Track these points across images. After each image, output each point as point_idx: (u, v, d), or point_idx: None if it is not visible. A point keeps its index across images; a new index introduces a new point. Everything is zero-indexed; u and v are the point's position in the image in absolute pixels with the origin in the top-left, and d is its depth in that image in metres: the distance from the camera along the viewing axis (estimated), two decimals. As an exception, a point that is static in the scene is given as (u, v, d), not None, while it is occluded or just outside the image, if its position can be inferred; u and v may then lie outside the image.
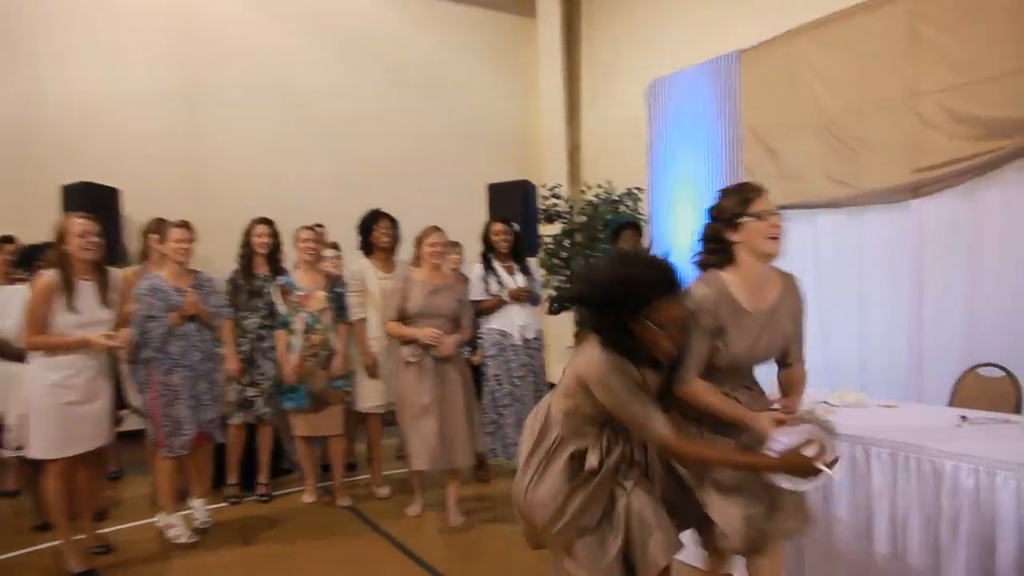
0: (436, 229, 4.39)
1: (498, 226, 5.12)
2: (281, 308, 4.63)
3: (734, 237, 2.30)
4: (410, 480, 4.60)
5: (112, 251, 6.21)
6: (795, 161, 5.73)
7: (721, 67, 6.50)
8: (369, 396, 4.91)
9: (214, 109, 7.25)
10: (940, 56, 4.84)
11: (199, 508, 4.27)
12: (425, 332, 4.19)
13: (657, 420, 2.07)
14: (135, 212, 6.56)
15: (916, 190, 4.99)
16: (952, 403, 3.77)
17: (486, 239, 5.13)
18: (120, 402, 5.23)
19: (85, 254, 3.55)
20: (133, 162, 6.75)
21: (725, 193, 2.39)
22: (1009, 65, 4.49)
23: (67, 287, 3.49)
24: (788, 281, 2.43)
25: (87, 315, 3.55)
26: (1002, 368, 3.69)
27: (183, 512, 4.22)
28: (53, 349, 3.48)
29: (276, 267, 4.94)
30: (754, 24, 6.35)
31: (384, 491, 4.94)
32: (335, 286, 4.77)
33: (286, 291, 4.65)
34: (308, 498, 4.81)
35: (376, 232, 5.01)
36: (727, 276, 2.31)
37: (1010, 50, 4.48)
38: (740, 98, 6.29)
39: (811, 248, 5.64)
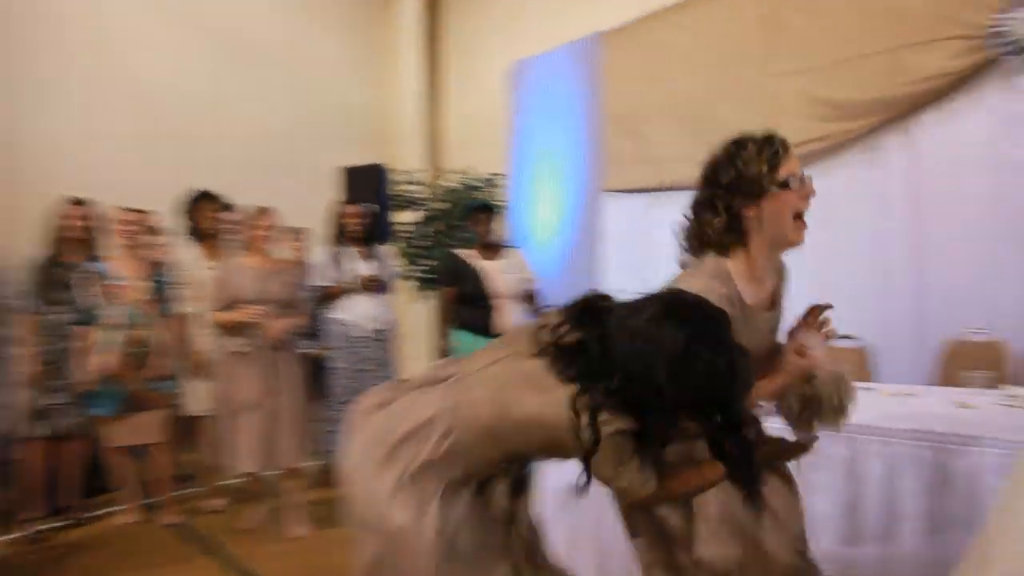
0: (264, 210, 3.96)
1: (351, 208, 4.77)
2: (92, 300, 4.02)
3: (750, 212, 1.76)
4: (249, 488, 4.12)
5: None
6: (655, 143, 5.65)
7: (584, 49, 6.35)
8: (201, 398, 4.38)
9: (30, 83, 6.33)
10: (792, 40, 4.90)
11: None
12: (247, 312, 3.76)
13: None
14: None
15: (771, 172, 5.02)
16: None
17: (337, 222, 4.73)
18: None
19: None
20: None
21: (740, 148, 1.80)
22: (855, 49, 4.60)
23: None
24: (782, 268, 1.98)
25: None
26: (852, 337, 3.92)
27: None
28: None
29: (91, 255, 4.28)
30: (615, 7, 6.22)
31: (219, 503, 4.42)
32: (158, 275, 4.21)
33: (99, 280, 4.04)
34: (127, 517, 4.22)
35: (199, 215, 4.52)
36: (731, 265, 1.78)
37: (854, 33, 4.58)
38: (603, 81, 6.15)
39: (670, 230, 5.56)
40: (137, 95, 6.86)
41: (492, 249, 4.79)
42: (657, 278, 5.78)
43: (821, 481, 2.45)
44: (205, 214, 4.55)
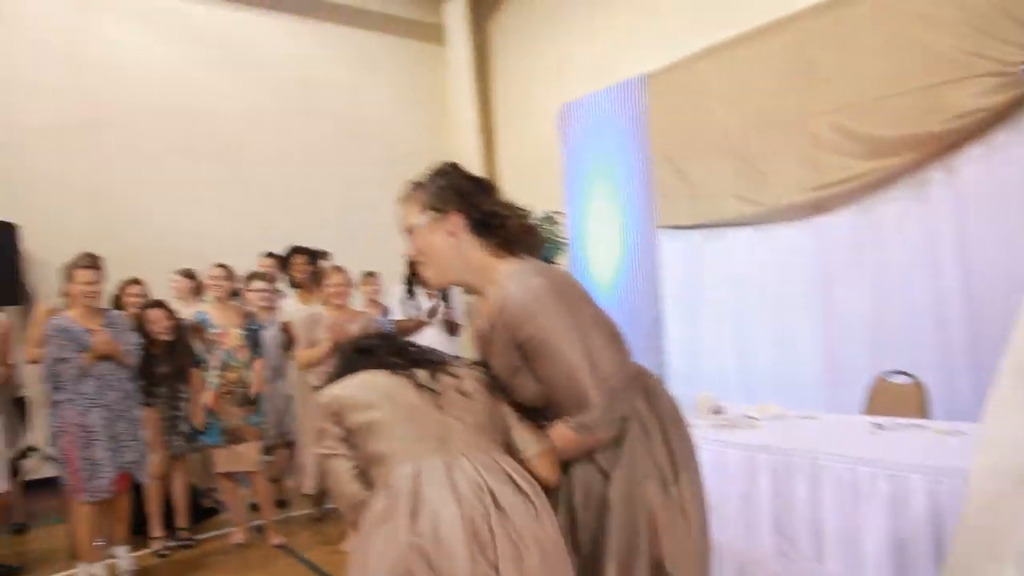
0: (338, 269, 4.54)
1: None
2: (199, 347, 4.55)
3: None
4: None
5: (9, 289, 5.95)
6: (704, 181, 5.95)
7: (629, 91, 6.72)
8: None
9: (119, 141, 6.99)
10: (829, 78, 5.12)
11: (123, 556, 4.10)
12: (319, 350, 4.24)
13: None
14: (38, 249, 6.29)
15: (817, 207, 5.28)
16: (865, 411, 4.00)
17: (411, 264, 5.15)
18: (24, 449, 5.00)
19: None
20: (32, 197, 6.45)
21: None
22: (890, 87, 4.79)
23: None
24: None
25: None
26: (909, 375, 3.93)
27: (105, 561, 4.03)
28: None
29: (176, 352, 4.64)
30: (659, 49, 6.60)
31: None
32: (250, 323, 4.70)
33: (200, 329, 4.56)
34: (238, 538, 4.68)
35: (293, 267, 5.06)
36: None
37: (889, 71, 4.78)
38: (649, 121, 6.50)
39: (725, 265, 5.89)
40: (225, 156, 7.46)
41: None
42: (714, 310, 5.96)
43: (869, 515, 2.61)
44: (298, 266, 5.06)
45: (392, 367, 1.76)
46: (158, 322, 4.49)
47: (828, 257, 5.27)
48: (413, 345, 1.90)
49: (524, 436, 1.77)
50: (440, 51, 9.05)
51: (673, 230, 6.27)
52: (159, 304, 4.61)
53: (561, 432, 1.73)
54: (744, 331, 5.76)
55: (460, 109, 8.90)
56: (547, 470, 1.75)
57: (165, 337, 4.50)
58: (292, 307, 5.18)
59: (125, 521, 4.17)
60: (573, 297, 1.72)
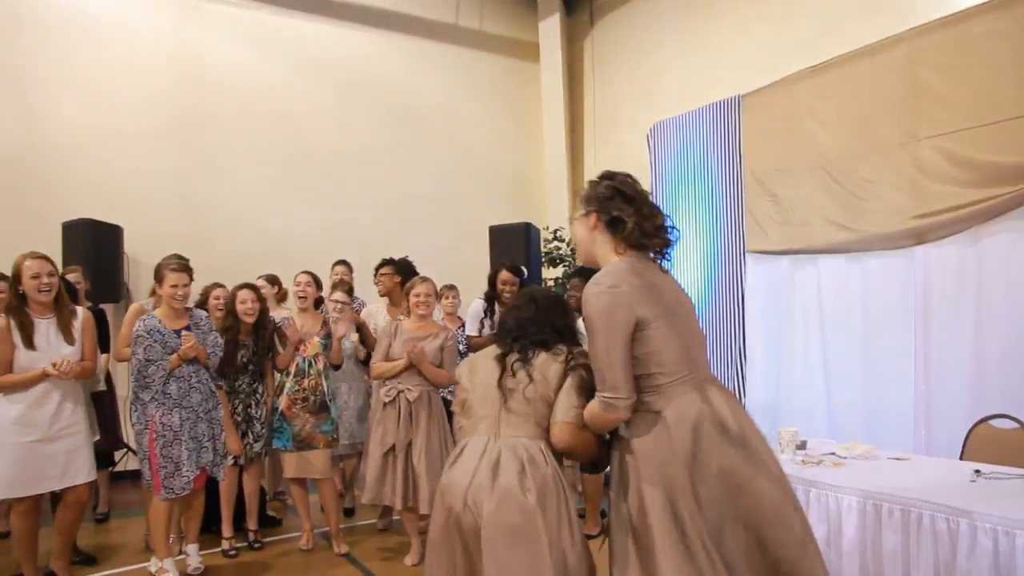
0: (424, 280, 4.48)
1: (506, 275, 5.07)
2: (279, 350, 4.66)
3: None
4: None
5: (113, 287, 6.24)
6: (797, 205, 5.72)
7: (722, 111, 6.55)
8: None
9: (214, 149, 7.27)
10: (939, 101, 4.83)
11: (193, 554, 4.18)
12: (390, 364, 4.28)
13: None
14: (137, 250, 6.58)
15: (919, 236, 4.96)
16: (963, 456, 3.70)
17: (492, 282, 5.12)
18: (114, 442, 5.19)
19: (39, 296, 3.65)
20: (134, 200, 6.77)
21: None
22: (1010, 110, 4.47)
23: (22, 327, 3.60)
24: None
25: (49, 352, 3.65)
26: (1014, 419, 3.61)
27: (176, 557, 4.12)
28: (12, 387, 3.58)
29: (260, 335, 4.66)
30: (753, 69, 6.42)
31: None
32: (330, 333, 4.75)
33: (283, 333, 4.64)
34: (304, 544, 4.71)
35: (381, 278, 5.19)
36: None
37: (1010, 95, 4.47)
38: (741, 142, 6.31)
39: (814, 293, 5.62)
40: (316, 164, 7.65)
41: None
42: (802, 341, 5.72)
43: (970, 573, 2.38)
44: (385, 277, 5.18)
45: (502, 357, 2.41)
46: (246, 301, 4.56)
47: (927, 290, 4.93)
48: (534, 325, 2.44)
49: (561, 406, 2.27)
50: (533, 68, 9.10)
51: (762, 255, 6.03)
52: (249, 286, 4.68)
53: (592, 404, 2.15)
54: (833, 365, 5.46)
55: (550, 125, 8.90)
56: (557, 436, 2.24)
57: (251, 319, 4.55)
58: (381, 316, 5.28)
59: (198, 519, 4.25)
60: (619, 313, 2.05)
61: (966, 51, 4.69)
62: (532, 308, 2.46)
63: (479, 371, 2.44)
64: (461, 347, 4.91)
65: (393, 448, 4.19)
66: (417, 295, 4.39)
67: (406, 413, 4.23)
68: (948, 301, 4.83)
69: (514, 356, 2.36)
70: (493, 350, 2.45)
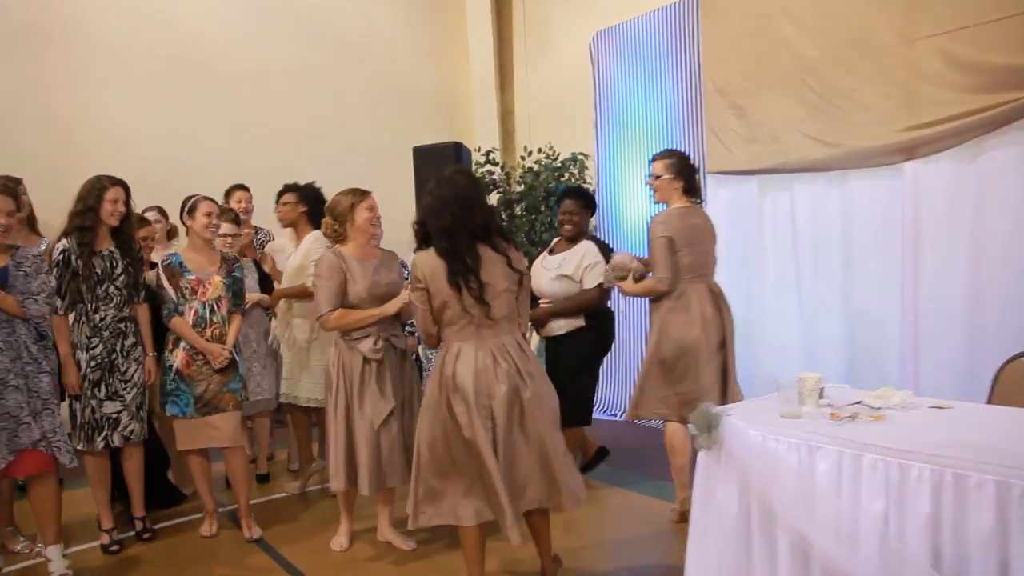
0: (367, 193, 3.51)
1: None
2: (170, 295, 3.69)
3: None
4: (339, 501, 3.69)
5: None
6: (767, 119, 5.06)
7: (677, 14, 5.82)
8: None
9: (87, 59, 6.00)
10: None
11: (55, 557, 3.26)
12: (396, 301, 3.36)
13: None
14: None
15: (910, 151, 4.39)
16: (991, 399, 3.17)
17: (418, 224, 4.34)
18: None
19: None
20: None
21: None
22: (1012, 6, 3.90)
23: None
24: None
25: None
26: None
27: (31, 562, 3.26)
28: None
29: (123, 243, 3.68)
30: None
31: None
32: (233, 270, 3.85)
33: (174, 274, 3.69)
34: (206, 530, 3.86)
35: (279, 207, 4.57)
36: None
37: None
38: (700, 49, 5.60)
39: (787, 218, 5.04)
40: (216, 80, 6.55)
41: (573, 241, 4.29)
42: (773, 272, 5.25)
43: None
44: (287, 207, 4.42)
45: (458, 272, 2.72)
46: (117, 201, 3.57)
47: (917, 213, 4.37)
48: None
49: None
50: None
51: (725, 176, 5.39)
52: (121, 183, 3.65)
53: (650, 280, 3.64)
54: (807, 295, 4.93)
55: (476, 39, 7.95)
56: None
57: (114, 221, 3.59)
58: (287, 248, 4.46)
59: (51, 514, 3.28)
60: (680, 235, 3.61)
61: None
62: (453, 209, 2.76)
63: (439, 277, 2.72)
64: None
65: (391, 414, 3.35)
66: (371, 209, 3.45)
67: (399, 368, 3.45)
68: (942, 223, 4.29)
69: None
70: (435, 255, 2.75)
